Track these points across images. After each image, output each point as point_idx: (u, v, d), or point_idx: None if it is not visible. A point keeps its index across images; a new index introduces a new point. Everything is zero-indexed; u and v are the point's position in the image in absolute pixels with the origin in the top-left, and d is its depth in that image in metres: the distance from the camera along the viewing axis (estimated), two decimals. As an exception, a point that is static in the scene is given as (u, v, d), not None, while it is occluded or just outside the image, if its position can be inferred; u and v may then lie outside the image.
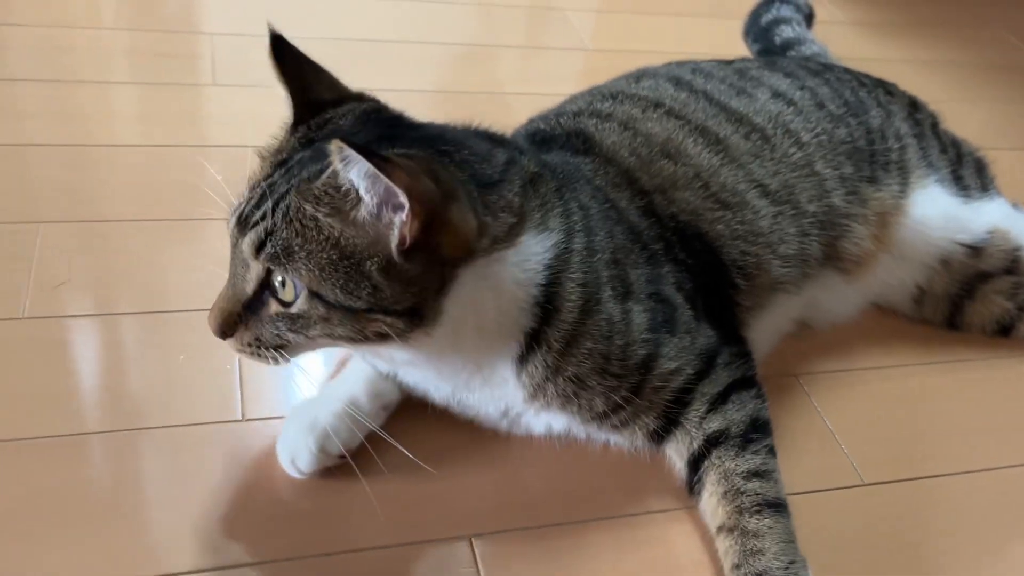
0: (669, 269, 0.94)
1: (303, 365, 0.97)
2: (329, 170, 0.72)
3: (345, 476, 0.88)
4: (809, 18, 1.78)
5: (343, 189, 0.72)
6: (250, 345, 0.79)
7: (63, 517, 0.83)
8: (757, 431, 0.92)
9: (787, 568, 0.82)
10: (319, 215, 0.73)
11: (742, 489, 0.87)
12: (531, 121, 1.13)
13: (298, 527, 0.85)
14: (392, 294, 0.74)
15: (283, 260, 0.73)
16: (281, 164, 0.78)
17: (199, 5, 1.78)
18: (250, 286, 0.77)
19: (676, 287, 0.94)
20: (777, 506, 0.87)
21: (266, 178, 0.77)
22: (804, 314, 1.14)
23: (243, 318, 0.78)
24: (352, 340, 0.77)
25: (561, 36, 1.89)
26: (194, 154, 1.35)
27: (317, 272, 0.73)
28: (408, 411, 0.96)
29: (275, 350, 0.79)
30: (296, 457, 0.88)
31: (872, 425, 1.06)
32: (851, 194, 1.11)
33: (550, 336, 0.83)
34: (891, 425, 1.07)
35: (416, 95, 1.55)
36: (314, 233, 0.73)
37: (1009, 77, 1.98)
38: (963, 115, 1.74)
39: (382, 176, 0.68)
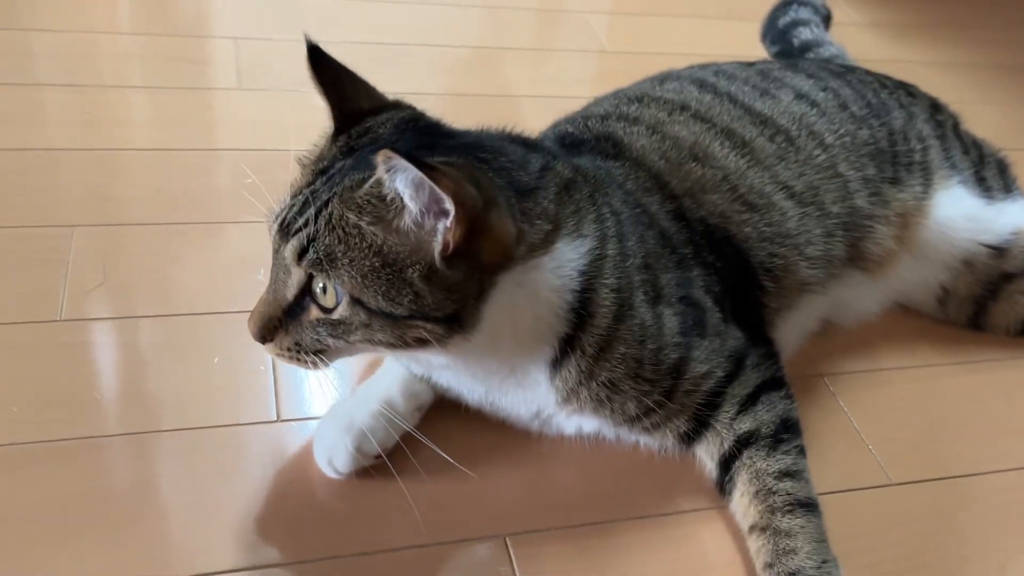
0: (698, 272, 0.95)
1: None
2: (373, 179, 0.73)
3: (381, 476, 0.89)
4: (827, 20, 1.78)
5: (388, 198, 0.73)
6: (289, 350, 0.80)
7: (102, 517, 0.84)
8: (787, 431, 0.93)
9: (820, 567, 0.83)
10: (362, 223, 0.74)
11: (774, 489, 0.88)
12: (557, 124, 1.14)
13: (334, 527, 0.86)
14: (433, 301, 0.75)
15: (325, 266, 0.74)
16: (323, 172, 0.79)
17: (214, 10, 1.79)
18: (291, 292, 0.78)
19: (705, 290, 0.95)
20: (809, 505, 0.88)
21: (308, 185, 0.78)
22: (829, 312, 1.15)
23: (283, 323, 0.79)
24: (392, 346, 0.78)
25: (575, 38, 1.90)
26: (221, 158, 1.37)
27: (359, 279, 0.74)
28: (441, 412, 0.97)
29: (314, 355, 0.80)
30: (333, 457, 0.89)
31: (899, 425, 1.07)
32: (874, 195, 1.12)
33: (584, 341, 0.84)
34: (917, 425, 1.08)
35: (432, 99, 1.55)
36: (357, 241, 0.74)
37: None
38: (980, 116, 1.75)
39: (429, 183, 0.69)
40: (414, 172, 0.69)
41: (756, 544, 0.87)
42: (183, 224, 1.20)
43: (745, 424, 0.92)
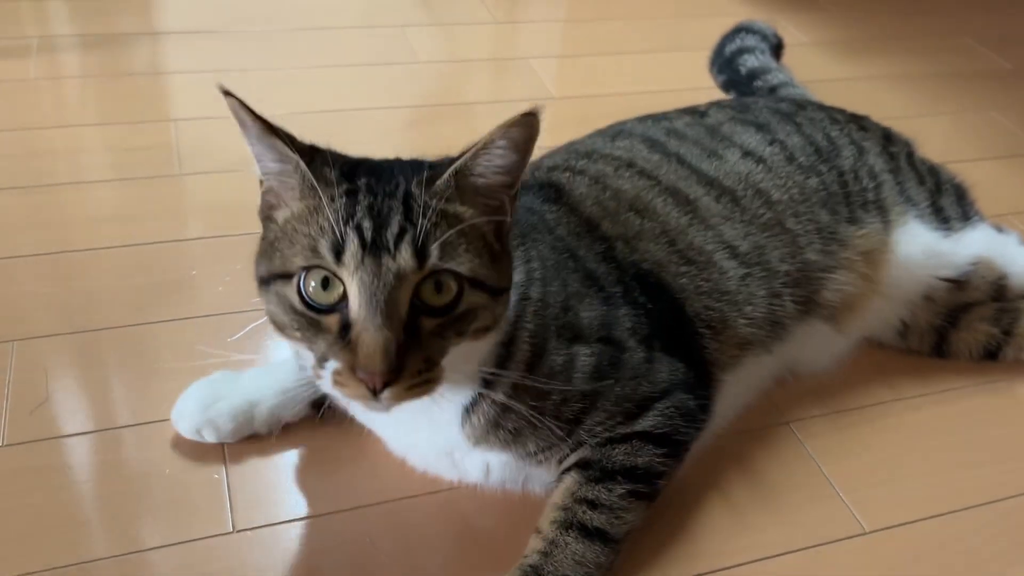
0: (626, 312, 0.95)
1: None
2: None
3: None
4: (778, 48, 1.77)
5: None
6: (420, 372, 0.73)
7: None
8: (629, 479, 0.91)
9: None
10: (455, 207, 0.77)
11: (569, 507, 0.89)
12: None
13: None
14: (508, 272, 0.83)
15: (449, 256, 0.74)
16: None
17: (159, 93, 1.75)
18: (403, 307, 0.73)
19: (631, 331, 0.95)
20: (589, 534, 0.88)
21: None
22: (787, 367, 1.14)
23: (405, 346, 0.72)
24: (487, 329, 0.79)
25: (527, 87, 1.88)
26: (173, 250, 1.34)
27: (475, 258, 0.76)
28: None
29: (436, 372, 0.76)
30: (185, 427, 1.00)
31: (870, 467, 1.05)
32: (829, 243, 1.10)
33: (499, 385, 0.86)
34: (889, 465, 1.06)
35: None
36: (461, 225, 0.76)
37: (975, 85, 1.98)
38: (932, 128, 1.75)
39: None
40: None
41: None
42: (133, 326, 1.17)
43: (594, 454, 0.91)
